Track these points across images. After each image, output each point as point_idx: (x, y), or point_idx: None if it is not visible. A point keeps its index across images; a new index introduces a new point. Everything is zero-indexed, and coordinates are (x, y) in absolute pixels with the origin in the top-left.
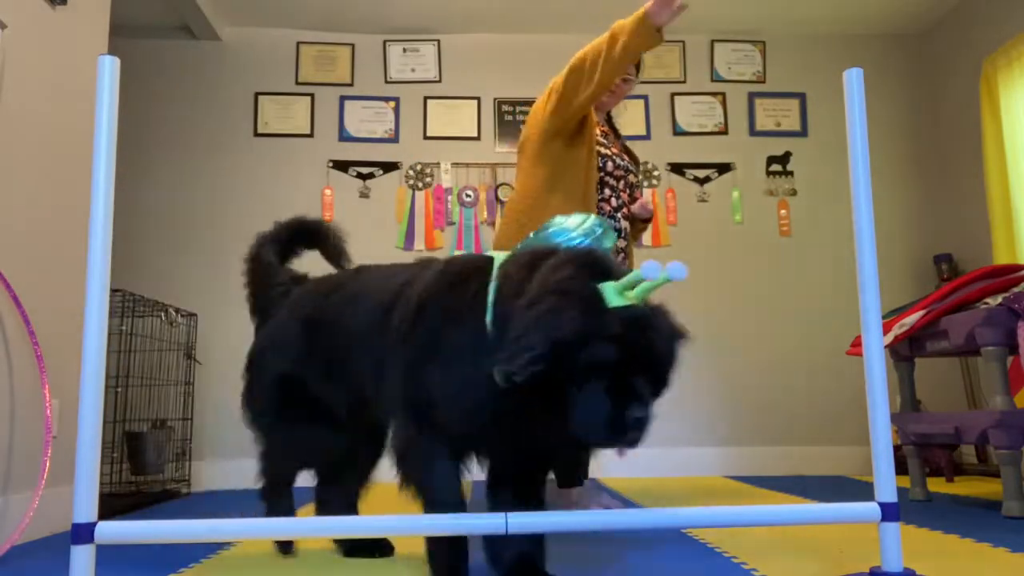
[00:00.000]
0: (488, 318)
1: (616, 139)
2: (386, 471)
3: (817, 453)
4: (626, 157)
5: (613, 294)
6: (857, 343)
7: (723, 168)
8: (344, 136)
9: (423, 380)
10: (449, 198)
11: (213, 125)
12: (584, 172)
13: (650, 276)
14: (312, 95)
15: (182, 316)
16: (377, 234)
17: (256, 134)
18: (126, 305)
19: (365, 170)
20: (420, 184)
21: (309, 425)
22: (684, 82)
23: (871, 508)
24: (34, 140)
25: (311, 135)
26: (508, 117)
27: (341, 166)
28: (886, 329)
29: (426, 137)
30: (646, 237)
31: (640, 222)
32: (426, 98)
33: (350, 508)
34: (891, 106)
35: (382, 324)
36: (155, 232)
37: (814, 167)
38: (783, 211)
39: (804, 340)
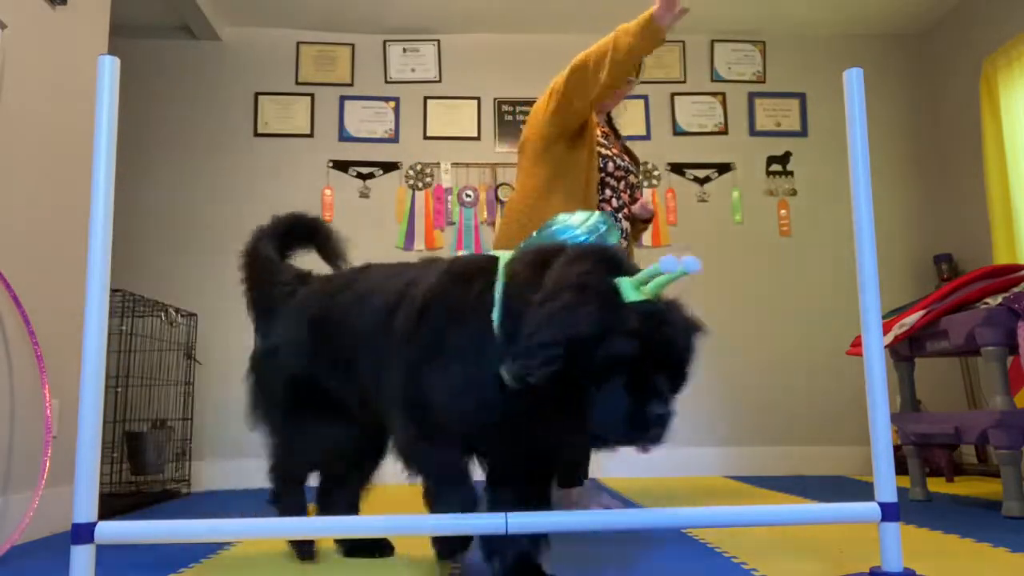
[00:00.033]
0: (495, 317)
1: (616, 139)
2: (386, 472)
3: (817, 453)
4: (627, 158)
5: (629, 289)
6: (857, 343)
7: (723, 168)
8: (344, 136)
9: (428, 380)
10: (449, 198)
11: (213, 125)
12: (585, 173)
13: (668, 269)
14: (312, 95)
15: (182, 316)
16: (377, 234)
17: (256, 134)
18: (126, 305)
19: (365, 170)
20: (420, 184)
21: (321, 424)
22: (684, 82)
23: (871, 508)
24: (34, 140)
25: (311, 135)
26: (508, 117)
27: (341, 166)
28: (886, 329)
29: (426, 137)
30: (646, 237)
31: (640, 222)
32: (426, 98)
33: (351, 508)
34: (891, 106)
35: (388, 324)
36: (155, 232)
37: (814, 167)
38: (783, 211)
39: (804, 340)
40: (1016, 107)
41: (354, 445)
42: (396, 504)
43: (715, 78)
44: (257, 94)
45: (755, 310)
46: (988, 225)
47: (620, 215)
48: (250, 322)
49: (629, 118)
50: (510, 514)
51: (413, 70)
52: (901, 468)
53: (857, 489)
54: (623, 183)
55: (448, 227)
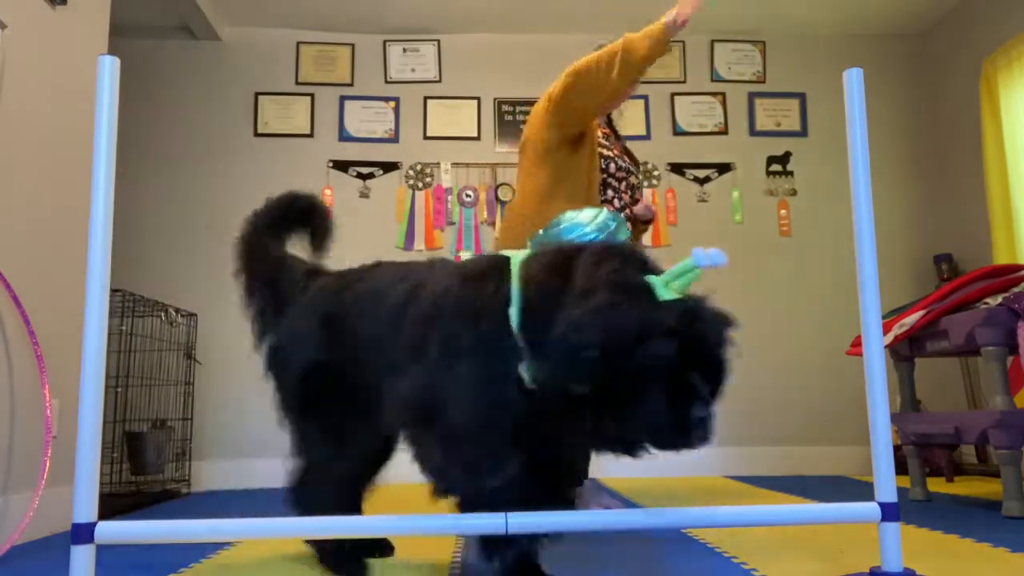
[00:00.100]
0: (514, 318)
1: (617, 140)
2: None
3: (817, 453)
4: (627, 158)
5: (661, 287)
6: (857, 343)
7: (723, 168)
8: (344, 136)
9: (445, 385)
10: (449, 198)
11: (213, 125)
12: (587, 175)
13: (701, 263)
14: (312, 95)
15: (182, 316)
16: (377, 234)
17: (256, 134)
18: (126, 305)
19: (365, 170)
20: (420, 184)
21: (333, 420)
22: (684, 82)
23: (871, 508)
24: (34, 140)
25: (311, 135)
26: (508, 117)
27: (341, 166)
28: (886, 329)
29: (426, 137)
30: (646, 238)
31: (641, 223)
32: (426, 98)
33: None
34: (891, 106)
35: (400, 325)
36: (155, 232)
37: (814, 167)
38: (783, 211)
39: (804, 340)
40: (1016, 107)
41: (363, 446)
42: (396, 504)
43: (715, 78)
44: (257, 94)
45: (755, 310)
46: (988, 225)
47: (622, 216)
48: (250, 321)
49: (629, 118)
50: (510, 514)
51: (413, 70)
52: (901, 468)
53: (857, 489)
54: (624, 184)
55: (448, 227)
